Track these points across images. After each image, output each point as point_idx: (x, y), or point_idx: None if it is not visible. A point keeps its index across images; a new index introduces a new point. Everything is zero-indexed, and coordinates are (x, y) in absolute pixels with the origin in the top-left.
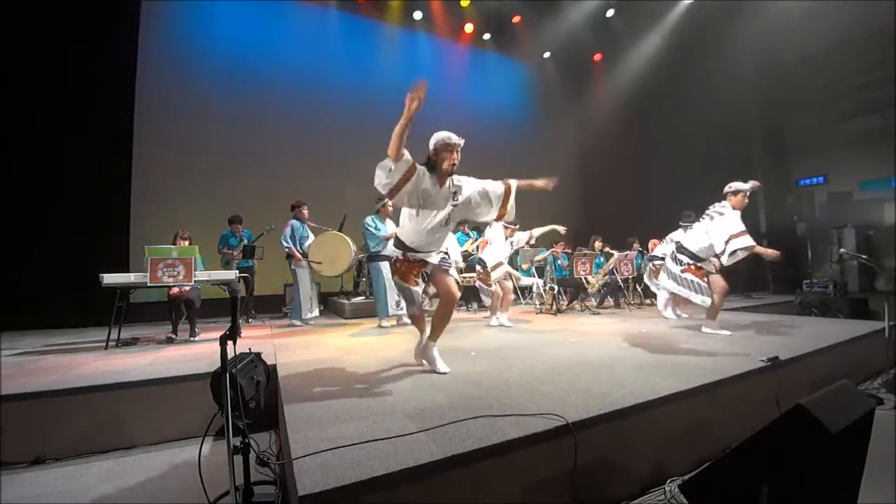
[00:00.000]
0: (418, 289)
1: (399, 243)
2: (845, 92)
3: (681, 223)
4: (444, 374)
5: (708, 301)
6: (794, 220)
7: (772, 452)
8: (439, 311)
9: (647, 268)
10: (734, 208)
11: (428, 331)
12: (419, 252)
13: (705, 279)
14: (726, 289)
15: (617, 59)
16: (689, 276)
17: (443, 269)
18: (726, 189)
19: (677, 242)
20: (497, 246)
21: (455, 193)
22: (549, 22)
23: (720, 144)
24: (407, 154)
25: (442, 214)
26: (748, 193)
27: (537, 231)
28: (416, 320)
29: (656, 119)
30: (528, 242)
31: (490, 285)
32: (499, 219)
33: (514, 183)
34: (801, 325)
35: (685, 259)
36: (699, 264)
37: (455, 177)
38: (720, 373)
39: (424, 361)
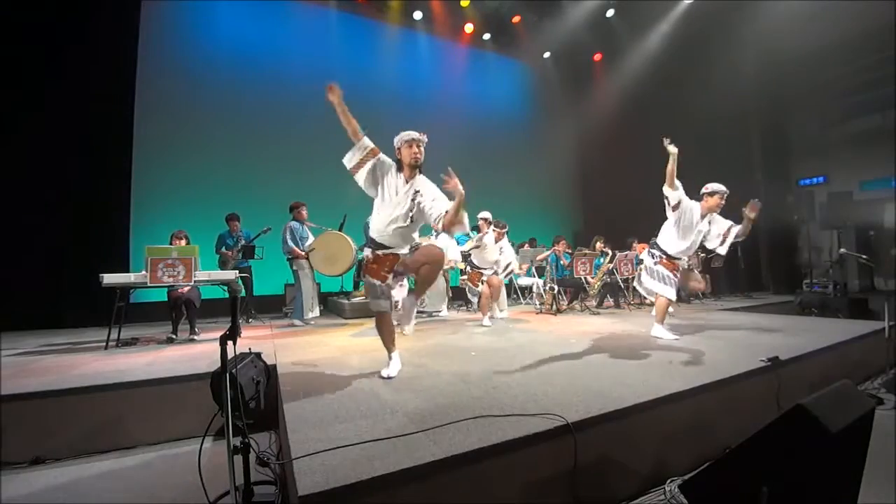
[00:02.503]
0: (388, 283)
1: (368, 240)
2: (845, 92)
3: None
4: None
5: (670, 294)
6: (794, 219)
7: (772, 452)
8: (424, 270)
9: (638, 271)
10: (708, 210)
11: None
12: (387, 248)
13: (676, 273)
14: (698, 286)
15: (617, 59)
16: (660, 267)
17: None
18: (703, 190)
19: (652, 239)
20: (488, 250)
21: (417, 192)
22: (549, 22)
23: (720, 144)
24: (367, 140)
25: (402, 209)
26: (724, 196)
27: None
28: (382, 322)
29: (656, 119)
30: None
31: (477, 285)
32: (440, 229)
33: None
34: (801, 325)
35: (657, 253)
36: (672, 259)
37: (422, 178)
38: (720, 373)
39: (395, 322)
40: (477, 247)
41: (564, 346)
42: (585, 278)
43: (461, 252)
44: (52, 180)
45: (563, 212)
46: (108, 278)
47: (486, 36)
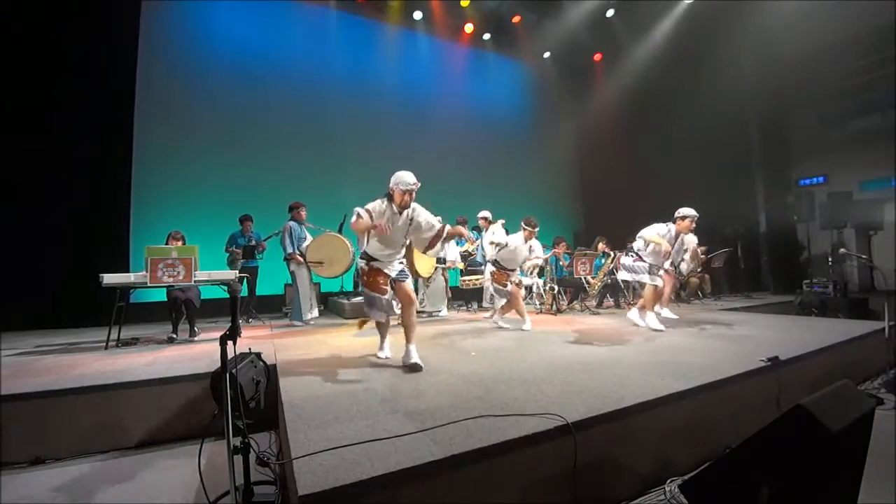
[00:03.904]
0: (387, 297)
1: (364, 255)
2: (845, 92)
3: None
4: (421, 366)
5: (658, 281)
6: (794, 220)
7: (772, 452)
8: (404, 315)
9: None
10: (679, 232)
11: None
12: (380, 262)
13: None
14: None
15: (617, 59)
16: (639, 263)
17: (400, 280)
18: (675, 214)
19: (629, 245)
20: (518, 250)
21: (412, 220)
22: (549, 22)
23: (720, 145)
24: (365, 217)
25: (397, 236)
26: (694, 220)
27: (528, 264)
28: (382, 327)
29: (656, 119)
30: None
31: (506, 285)
32: (424, 252)
33: (447, 227)
34: (801, 325)
35: (633, 253)
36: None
37: (412, 207)
38: (720, 373)
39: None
40: (473, 253)
41: (564, 347)
42: (586, 278)
43: (460, 253)
44: (52, 180)
45: (563, 212)
46: (108, 278)
47: (486, 36)
